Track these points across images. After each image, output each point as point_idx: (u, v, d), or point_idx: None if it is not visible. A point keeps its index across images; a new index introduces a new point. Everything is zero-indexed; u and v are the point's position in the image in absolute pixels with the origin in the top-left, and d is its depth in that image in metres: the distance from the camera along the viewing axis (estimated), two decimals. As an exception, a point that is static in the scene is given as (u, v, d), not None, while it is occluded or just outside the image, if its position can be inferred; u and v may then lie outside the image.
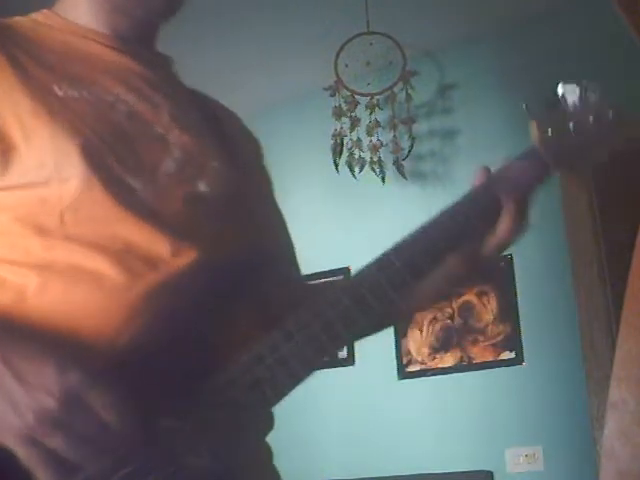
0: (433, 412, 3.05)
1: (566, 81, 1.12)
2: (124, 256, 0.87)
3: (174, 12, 1.03)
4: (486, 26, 3.16)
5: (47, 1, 1.06)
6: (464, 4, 3.03)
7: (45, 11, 1.03)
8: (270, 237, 1.06)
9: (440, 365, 3.08)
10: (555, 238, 2.95)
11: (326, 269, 3.21)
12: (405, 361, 3.15)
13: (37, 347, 0.79)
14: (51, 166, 0.86)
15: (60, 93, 0.91)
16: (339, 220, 3.36)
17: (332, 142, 3.11)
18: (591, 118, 1.10)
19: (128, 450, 0.76)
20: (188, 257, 0.88)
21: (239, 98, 3.60)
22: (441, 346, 3.09)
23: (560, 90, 1.12)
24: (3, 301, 0.86)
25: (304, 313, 0.89)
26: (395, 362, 3.16)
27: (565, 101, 1.11)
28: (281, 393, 0.87)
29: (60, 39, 0.99)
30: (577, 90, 1.11)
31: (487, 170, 1.05)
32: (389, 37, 2.97)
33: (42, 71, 0.92)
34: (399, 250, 0.97)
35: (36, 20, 1.02)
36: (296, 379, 0.88)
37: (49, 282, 0.86)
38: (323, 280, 1.24)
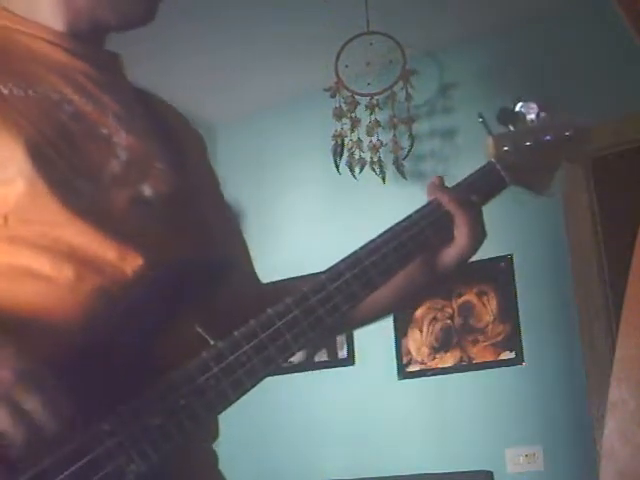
0: (433, 412, 3.05)
1: (525, 98, 1.14)
2: (69, 259, 0.86)
3: (146, 24, 1.03)
4: (486, 26, 3.16)
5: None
6: (464, 4, 3.03)
7: None
8: (218, 240, 1.05)
9: (440, 365, 3.08)
10: (555, 238, 2.95)
11: (325, 269, 3.21)
12: (405, 361, 3.15)
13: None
14: None
15: (5, 91, 0.89)
16: (339, 220, 3.36)
17: (333, 143, 3.11)
18: (548, 136, 1.11)
19: (66, 447, 0.76)
20: (134, 262, 0.88)
21: (239, 98, 3.61)
22: (441, 346, 3.09)
23: (518, 107, 1.13)
24: None
25: (253, 323, 0.89)
26: (395, 362, 3.16)
27: (523, 118, 1.12)
28: (226, 401, 0.86)
29: (5, 36, 0.97)
30: (535, 107, 1.12)
31: (441, 180, 1.07)
32: (389, 37, 2.97)
33: None
34: (350, 261, 0.98)
35: None
36: (242, 388, 0.87)
37: None
38: (281, 282, 1.23)
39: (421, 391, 3.09)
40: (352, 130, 3.09)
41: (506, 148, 1.10)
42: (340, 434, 3.18)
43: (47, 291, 0.85)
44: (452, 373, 3.05)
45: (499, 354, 2.98)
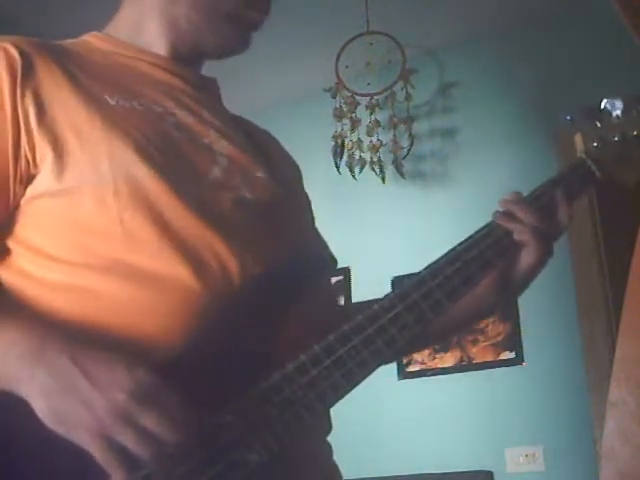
0: (433, 412, 3.04)
1: (610, 95, 1.17)
2: (188, 258, 0.89)
3: (241, 52, 1.09)
4: (486, 25, 3.16)
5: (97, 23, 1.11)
6: (464, 4, 3.03)
7: (95, 33, 1.07)
8: (313, 247, 1.10)
9: (440, 365, 3.08)
10: (555, 238, 2.94)
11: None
12: (405, 361, 3.15)
13: (104, 347, 0.80)
14: (106, 167, 0.89)
15: (112, 102, 0.95)
16: (339, 220, 3.36)
17: (333, 143, 3.11)
18: (635, 131, 1.14)
19: (188, 446, 0.78)
20: (243, 260, 0.91)
21: (239, 99, 3.60)
22: (441, 346, 3.09)
23: (604, 104, 1.14)
24: (68, 303, 0.87)
25: (360, 320, 0.91)
26: (395, 362, 3.16)
27: (609, 114, 1.14)
28: (338, 394, 0.89)
29: (109, 58, 1.03)
30: (620, 104, 1.15)
31: (519, 196, 1.08)
32: (389, 37, 2.97)
33: (94, 83, 0.96)
34: (434, 271, 0.98)
35: (86, 42, 1.06)
36: (352, 381, 0.90)
37: (111, 284, 0.87)
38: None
39: (421, 391, 3.09)
40: (352, 130, 3.09)
41: (595, 144, 1.12)
42: (340, 434, 3.17)
43: (166, 293, 0.87)
44: (452, 373, 3.04)
45: (499, 354, 2.98)
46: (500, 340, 2.98)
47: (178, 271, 0.88)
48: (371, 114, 3.13)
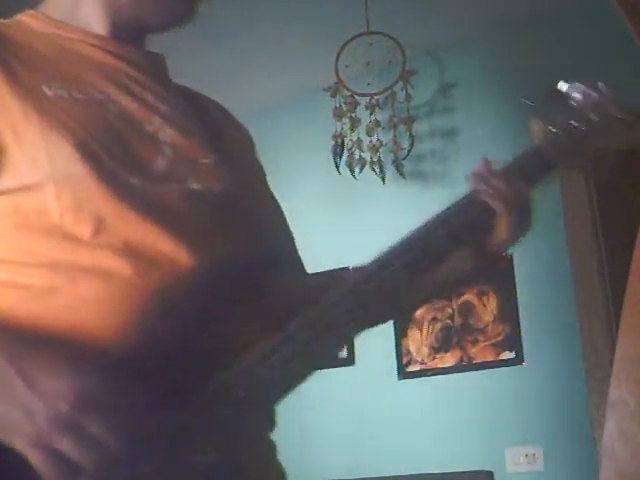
0: (433, 412, 3.05)
1: (572, 80, 1.13)
2: (126, 254, 0.86)
3: (186, 24, 1.04)
4: (486, 26, 3.16)
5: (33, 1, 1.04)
6: (464, 4, 3.03)
7: (30, 12, 1.02)
8: (268, 234, 1.04)
9: (440, 365, 3.08)
10: (555, 238, 2.95)
11: (326, 269, 3.21)
12: (405, 361, 3.15)
13: (48, 352, 0.79)
14: (45, 166, 0.86)
15: (49, 93, 0.90)
16: (339, 220, 3.36)
17: (332, 143, 3.11)
18: (593, 115, 1.10)
19: (135, 449, 0.77)
20: (189, 256, 0.88)
21: (239, 99, 3.60)
22: (441, 346, 3.09)
23: (562, 87, 1.12)
24: (9, 303, 0.85)
25: (307, 313, 0.89)
26: (395, 362, 3.16)
27: (568, 98, 1.11)
28: (283, 391, 0.88)
29: (47, 41, 0.98)
30: (580, 87, 1.12)
31: (487, 163, 1.06)
32: (389, 37, 2.97)
33: (30, 72, 0.91)
34: (398, 249, 0.97)
35: (21, 22, 1.00)
36: (298, 378, 0.89)
37: (54, 282, 0.85)
38: (324, 273, 1.22)
39: (421, 391, 3.09)
40: (352, 130, 3.09)
41: (553, 129, 1.09)
42: (340, 434, 3.18)
43: (110, 289, 0.85)
44: (452, 373, 3.04)
45: (499, 354, 2.98)
46: (500, 340, 2.98)
47: (120, 269, 0.85)
48: (371, 114, 3.12)
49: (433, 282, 1.03)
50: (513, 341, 2.95)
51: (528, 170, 1.06)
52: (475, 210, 1.01)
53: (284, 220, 1.16)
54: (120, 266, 0.85)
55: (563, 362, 2.85)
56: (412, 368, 3.13)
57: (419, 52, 3.22)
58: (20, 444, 0.74)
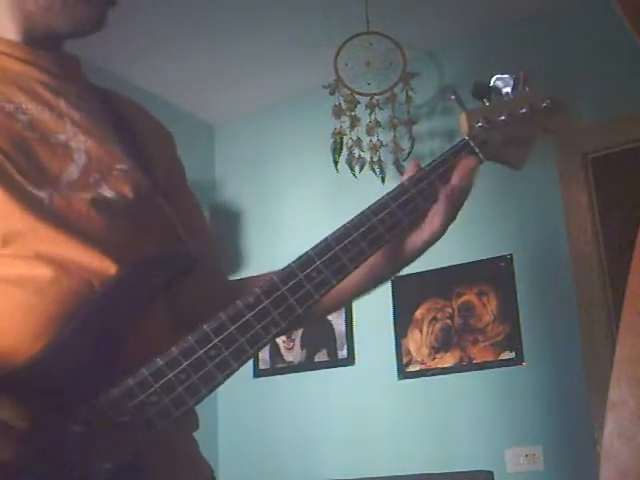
0: (433, 412, 3.05)
1: (500, 72, 1.11)
2: (36, 264, 0.87)
3: (97, 31, 1.03)
4: (486, 26, 3.16)
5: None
6: (464, 4, 3.03)
7: None
8: (183, 238, 1.04)
9: (440, 365, 3.08)
10: (555, 238, 2.95)
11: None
12: (405, 361, 3.15)
13: None
14: None
15: None
16: (339, 220, 3.36)
17: (332, 141, 3.11)
18: (524, 109, 1.09)
19: (34, 458, 0.76)
20: (100, 262, 0.89)
21: (239, 98, 3.60)
22: (441, 346, 3.09)
23: (493, 81, 1.11)
24: None
25: (222, 316, 0.89)
26: (395, 362, 3.16)
27: (498, 92, 1.09)
28: (197, 396, 0.87)
29: None
30: (510, 81, 1.10)
31: (418, 164, 1.05)
32: (389, 38, 2.97)
33: None
34: (320, 249, 0.97)
35: None
36: (213, 382, 0.87)
37: None
38: (245, 276, 1.22)
39: (421, 391, 3.09)
40: (352, 128, 3.09)
41: (480, 124, 1.07)
42: (340, 434, 3.18)
43: (17, 297, 0.85)
44: (452, 373, 3.04)
45: (499, 354, 2.98)
46: (500, 340, 2.98)
47: (29, 278, 0.86)
48: (370, 114, 3.13)
49: (347, 286, 1.02)
50: (513, 341, 2.95)
51: (455, 165, 1.05)
52: (399, 207, 1.01)
53: (202, 220, 1.16)
54: (30, 276, 0.86)
55: (563, 362, 2.85)
56: (412, 368, 3.13)
57: (419, 52, 3.22)
58: None
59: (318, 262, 0.95)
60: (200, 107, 3.47)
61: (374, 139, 3.13)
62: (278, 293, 0.92)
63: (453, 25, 3.16)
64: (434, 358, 3.10)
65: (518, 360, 2.93)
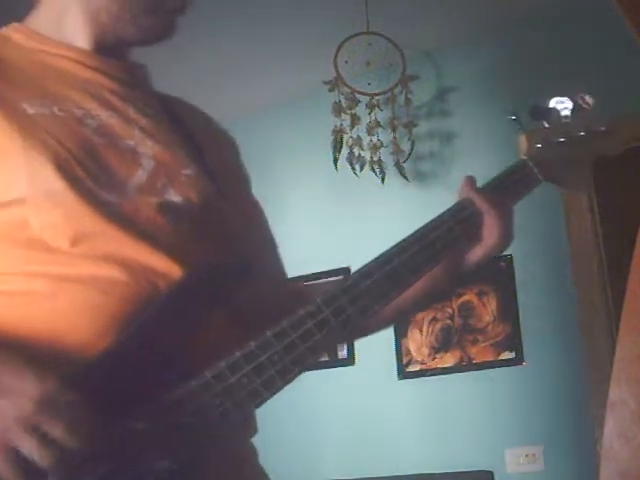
0: (433, 412, 3.05)
1: (559, 94, 1.12)
2: (107, 265, 0.89)
3: (166, 39, 1.06)
4: (485, 28, 3.16)
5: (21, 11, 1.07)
6: (464, 5, 3.02)
7: (15, 25, 1.04)
8: (246, 242, 1.06)
9: (440, 365, 3.08)
10: (555, 238, 2.95)
11: (326, 269, 3.21)
12: (405, 361, 3.15)
13: (16, 356, 0.81)
14: (26, 183, 0.88)
15: (31, 111, 0.93)
16: (339, 220, 3.36)
17: (332, 138, 3.11)
18: (582, 132, 1.10)
19: (97, 454, 0.79)
20: (166, 266, 0.90)
21: (239, 99, 3.60)
22: (441, 346, 3.09)
23: (552, 103, 1.12)
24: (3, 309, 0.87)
25: (285, 323, 0.91)
26: (395, 362, 3.16)
27: (557, 114, 1.11)
28: (258, 399, 0.88)
29: (30, 57, 1.01)
30: (569, 103, 1.11)
31: (472, 180, 1.06)
32: (388, 39, 2.97)
33: (12, 90, 0.94)
34: (381, 261, 0.98)
35: (5, 36, 1.03)
36: (274, 387, 0.89)
37: (32, 290, 0.88)
38: (307, 283, 1.25)
39: (421, 391, 3.09)
40: (352, 127, 3.09)
41: (539, 145, 1.09)
42: (340, 434, 3.18)
43: (83, 296, 0.87)
44: (452, 373, 3.04)
45: (499, 354, 2.98)
46: (500, 340, 2.98)
47: (98, 278, 0.88)
48: (369, 113, 3.13)
49: (406, 298, 1.03)
50: (513, 341, 2.95)
51: (512, 184, 1.08)
52: (458, 224, 1.03)
53: (266, 228, 1.17)
54: (98, 275, 0.88)
55: (563, 362, 2.85)
56: (412, 368, 3.13)
57: (419, 53, 3.22)
58: None
59: (378, 274, 0.97)
60: (200, 107, 3.47)
61: (374, 139, 3.13)
62: (338, 303, 0.93)
63: (453, 26, 3.16)
64: (434, 358, 3.10)
65: (518, 360, 2.93)
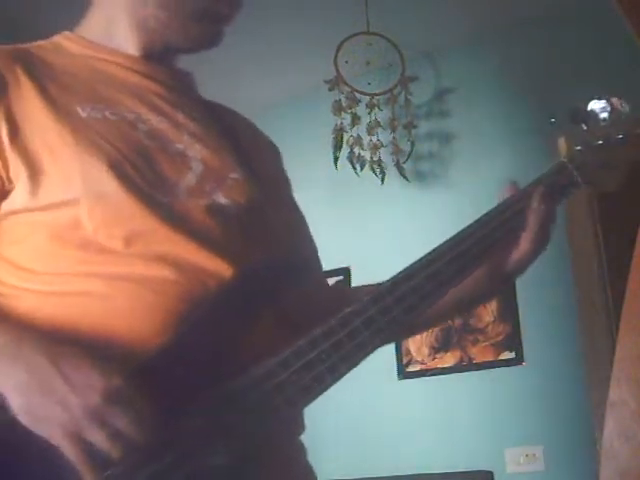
0: (433, 412, 3.05)
1: (597, 97, 1.14)
2: (158, 264, 0.91)
3: (213, 47, 1.09)
4: (485, 28, 3.16)
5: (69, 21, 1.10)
6: (464, 6, 3.03)
7: (67, 34, 1.08)
8: (291, 245, 1.09)
9: (440, 365, 3.08)
10: (555, 238, 2.94)
11: (326, 269, 3.21)
12: (405, 361, 3.15)
13: (83, 352, 0.83)
14: (79, 184, 0.90)
15: (83, 115, 0.95)
16: (339, 220, 3.36)
17: (333, 137, 3.11)
18: (620, 135, 1.12)
19: (155, 448, 0.81)
20: (217, 265, 0.92)
21: (239, 99, 3.60)
22: (441, 346, 3.09)
23: (590, 105, 1.13)
24: (48, 310, 0.90)
25: (331, 321, 0.92)
26: (395, 362, 3.16)
27: (595, 117, 1.12)
28: (307, 397, 0.90)
29: (81, 63, 1.04)
30: (607, 106, 1.13)
31: (515, 185, 1.08)
32: (388, 40, 2.97)
33: (65, 95, 0.97)
34: (425, 262, 1.00)
35: (58, 44, 1.07)
36: (323, 384, 0.91)
37: (89, 290, 0.90)
38: (349, 287, 1.27)
39: (421, 391, 3.09)
40: (352, 126, 3.09)
41: (578, 147, 1.11)
42: (340, 434, 3.18)
43: (138, 295, 0.89)
44: (452, 373, 3.04)
45: (499, 354, 2.98)
46: (500, 340, 2.98)
47: (152, 277, 0.90)
48: (369, 113, 3.13)
49: (449, 300, 1.04)
50: (513, 341, 2.95)
51: (553, 187, 1.09)
52: (499, 226, 1.04)
53: (307, 232, 1.20)
54: (152, 274, 0.90)
55: (563, 362, 2.85)
56: (412, 368, 3.13)
57: (418, 54, 3.22)
58: (55, 435, 0.78)
59: (422, 275, 0.98)
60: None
61: (374, 139, 3.13)
62: (384, 302, 0.95)
63: (452, 27, 3.16)
64: (434, 358, 3.10)
65: (518, 360, 2.93)
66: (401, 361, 3.15)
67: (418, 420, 3.05)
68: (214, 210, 0.96)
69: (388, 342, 1.01)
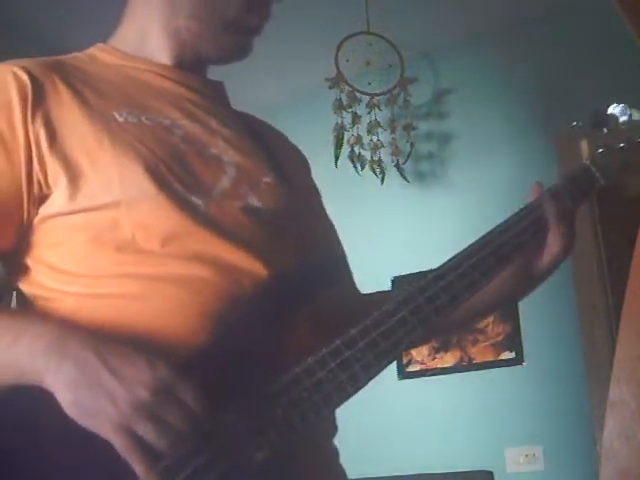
0: (433, 412, 3.05)
1: (617, 102, 1.17)
2: (196, 265, 0.92)
3: (242, 59, 1.12)
4: (485, 29, 3.16)
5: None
6: (463, 6, 3.03)
7: (100, 45, 1.10)
8: (321, 248, 1.11)
9: (440, 365, 3.08)
10: (555, 238, 2.94)
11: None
12: (405, 361, 3.15)
13: (129, 348, 0.84)
14: (117, 187, 0.93)
15: (120, 119, 0.98)
16: (338, 219, 3.36)
17: (334, 135, 3.11)
18: (637, 136, 1.13)
19: (202, 442, 0.82)
20: (253, 266, 0.94)
21: (240, 99, 3.60)
22: (441, 346, 3.09)
23: (611, 109, 1.16)
24: (89, 311, 0.92)
25: (366, 321, 0.94)
26: (395, 362, 3.16)
27: (616, 120, 1.14)
28: (343, 395, 0.91)
29: (116, 71, 1.06)
30: (627, 110, 1.15)
31: (540, 186, 1.09)
32: (388, 41, 2.97)
33: (102, 101, 1.00)
34: (454, 263, 1.01)
35: (92, 55, 1.09)
36: (358, 383, 0.91)
37: (129, 291, 0.92)
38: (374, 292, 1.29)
39: (421, 391, 3.09)
40: (352, 125, 3.09)
41: (600, 150, 1.13)
42: (340, 434, 3.17)
43: (174, 295, 0.91)
44: (452, 373, 3.04)
45: (499, 354, 2.98)
46: (500, 340, 2.98)
47: (190, 276, 0.92)
48: (369, 113, 3.13)
49: (475, 304, 1.05)
50: (513, 341, 2.95)
51: (575, 188, 1.10)
52: (526, 228, 1.05)
53: (337, 237, 1.23)
54: (188, 274, 0.92)
55: (563, 362, 2.85)
56: (412, 368, 3.13)
57: (418, 54, 3.22)
58: (104, 428, 0.79)
59: (451, 276, 1.00)
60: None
61: (374, 139, 3.13)
62: (415, 303, 0.96)
63: (452, 27, 3.16)
64: (434, 358, 3.10)
65: (518, 360, 2.93)
66: (401, 361, 3.15)
67: (418, 420, 3.05)
68: (248, 212, 0.98)
69: (421, 344, 1.03)
